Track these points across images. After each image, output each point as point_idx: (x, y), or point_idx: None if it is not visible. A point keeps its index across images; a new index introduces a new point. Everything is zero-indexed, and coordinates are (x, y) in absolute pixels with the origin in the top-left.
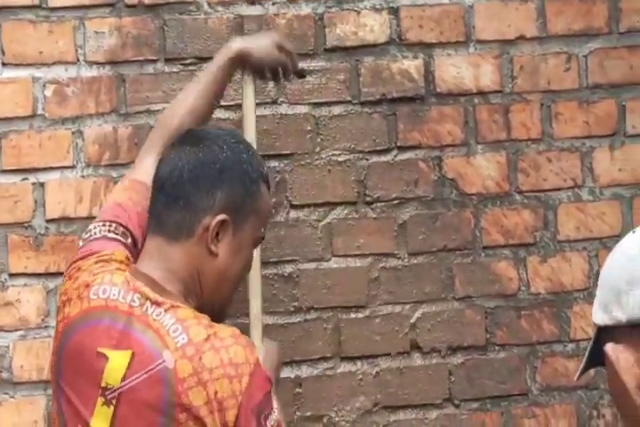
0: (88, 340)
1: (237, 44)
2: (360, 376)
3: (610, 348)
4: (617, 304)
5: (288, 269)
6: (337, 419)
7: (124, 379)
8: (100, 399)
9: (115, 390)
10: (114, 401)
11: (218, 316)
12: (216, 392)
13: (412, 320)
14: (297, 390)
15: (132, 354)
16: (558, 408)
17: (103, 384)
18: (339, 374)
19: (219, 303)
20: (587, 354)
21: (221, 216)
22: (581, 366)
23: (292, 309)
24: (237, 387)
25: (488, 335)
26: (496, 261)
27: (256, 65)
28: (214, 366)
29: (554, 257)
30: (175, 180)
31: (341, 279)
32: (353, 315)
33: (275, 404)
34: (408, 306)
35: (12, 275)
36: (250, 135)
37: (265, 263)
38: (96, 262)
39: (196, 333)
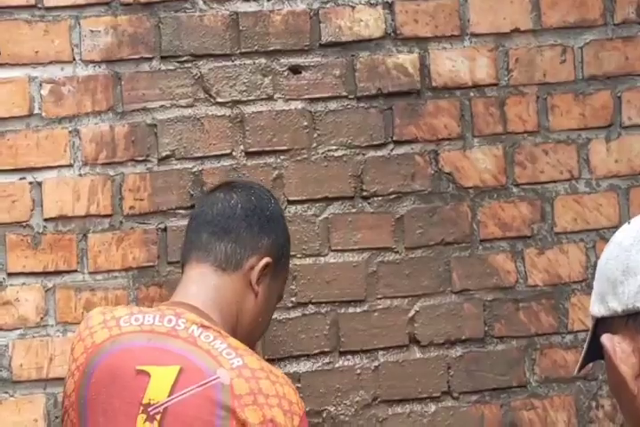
0: (122, 360)
1: None
2: (359, 370)
3: (606, 338)
4: (613, 295)
5: None
6: (336, 413)
7: (171, 393)
8: (142, 416)
9: (160, 406)
10: (158, 416)
11: None
12: (272, 418)
13: (411, 314)
14: (296, 384)
15: (180, 369)
16: (557, 400)
17: (145, 401)
18: (338, 369)
19: (246, 344)
20: (585, 347)
21: (267, 259)
22: (580, 359)
23: (291, 304)
24: (290, 422)
25: (486, 328)
26: (494, 254)
27: None
28: (271, 393)
29: (551, 249)
30: (228, 215)
31: (339, 274)
32: (351, 309)
33: None
34: (406, 300)
35: (10, 274)
36: None
37: None
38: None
39: (250, 360)
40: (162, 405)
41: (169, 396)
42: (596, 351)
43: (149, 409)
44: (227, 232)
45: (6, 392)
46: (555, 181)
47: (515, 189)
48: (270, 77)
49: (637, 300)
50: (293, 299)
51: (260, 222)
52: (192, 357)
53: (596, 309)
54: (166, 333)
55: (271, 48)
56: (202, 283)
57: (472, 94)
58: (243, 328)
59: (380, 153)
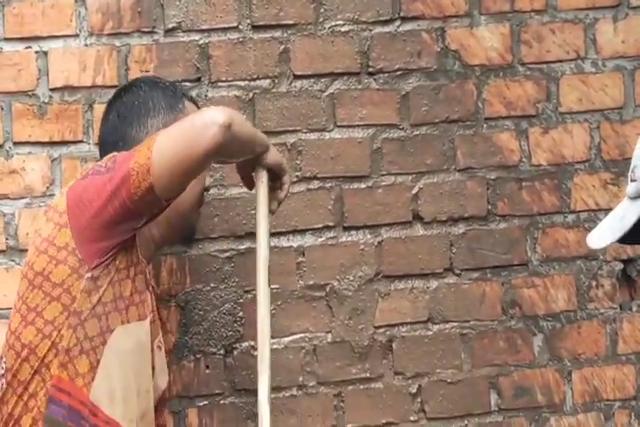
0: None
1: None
2: (362, 246)
3: None
4: None
5: (291, 139)
6: (339, 287)
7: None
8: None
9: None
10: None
11: None
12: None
13: (414, 191)
14: (300, 259)
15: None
16: (558, 279)
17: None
18: (341, 244)
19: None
20: (628, 227)
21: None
22: (612, 237)
23: (296, 178)
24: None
25: (489, 206)
26: (498, 133)
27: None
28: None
29: (555, 129)
30: (111, 130)
31: (344, 150)
32: (355, 185)
33: None
34: (410, 177)
35: (16, 143)
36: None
37: (268, 133)
38: None
39: None
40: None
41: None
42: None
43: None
44: (114, 144)
45: (13, 260)
46: (561, 61)
47: (520, 68)
48: None
49: None
50: (298, 174)
51: (136, 114)
52: None
53: (632, 191)
54: None
55: None
56: None
57: None
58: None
59: (386, 29)
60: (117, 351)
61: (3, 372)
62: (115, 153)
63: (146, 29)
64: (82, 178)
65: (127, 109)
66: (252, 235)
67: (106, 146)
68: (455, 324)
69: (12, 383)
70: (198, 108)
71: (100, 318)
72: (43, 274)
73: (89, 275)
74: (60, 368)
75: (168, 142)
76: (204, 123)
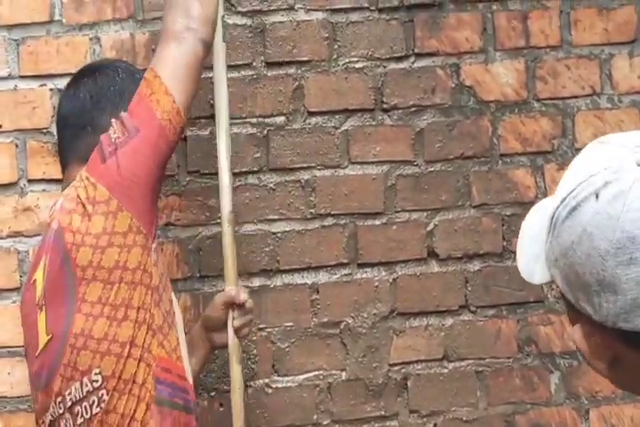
0: (29, 272)
1: None
2: (377, 283)
3: (576, 333)
4: (585, 300)
5: (305, 175)
6: (354, 325)
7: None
8: (39, 314)
9: (42, 297)
10: (42, 303)
11: None
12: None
13: (429, 228)
14: (314, 296)
15: (45, 255)
16: None
17: (37, 302)
18: (356, 281)
19: None
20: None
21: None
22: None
23: (310, 215)
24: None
25: (505, 243)
26: (513, 169)
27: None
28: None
29: None
30: (79, 111)
31: (358, 186)
32: (370, 222)
33: None
34: (425, 213)
35: (30, 180)
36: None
37: (282, 170)
38: None
39: (65, 193)
40: (42, 293)
41: (43, 282)
42: None
43: (38, 304)
44: (83, 128)
45: None
46: (576, 97)
47: (536, 104)
48: None
49: (620, 320)
50: (312, 210)
51: (111, 101)
52: (46, 235)
53: (562, 286)
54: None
55: None
56: (70, 183)
57: (494, 7)
58: None
59: (400, 65)
60: (179, 322)
61: (99, 384)
62: (113, 120)
63: None
64: (101, 159)
65: (101, 93)
66: (265, 272)
67: (70, 127)
68: (471, 361)
69: (117, 388)
70: None
71: (165, 289)
72: (119, 266)
73: (154, 246)
74: (159, 347)
75: (177, 74)
76: (189, 38)
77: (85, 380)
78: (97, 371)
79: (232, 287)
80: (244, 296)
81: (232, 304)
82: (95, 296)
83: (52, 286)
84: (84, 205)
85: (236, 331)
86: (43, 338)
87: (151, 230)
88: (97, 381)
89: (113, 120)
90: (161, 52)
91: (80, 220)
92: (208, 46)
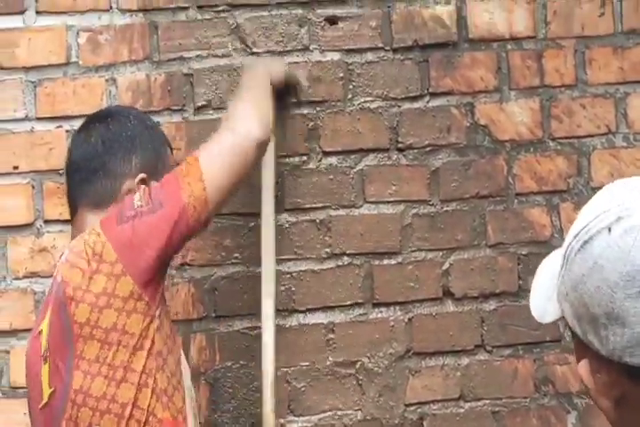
0: (35, 326)
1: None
2: (392, 323)
3: (581, 368)
4: (593, 332)
5: (321, 215)
6: (369, 365)
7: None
8: (43, 366)
9: (46, 348)
10: (46, 354)
11: None
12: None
13: (445, 267)
14: (330, 335)
15: (49, 306)
16: None
17: (42, 353)
18: (371, 320)
19: None
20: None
21: (141, 175)
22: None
23: (325, 255)
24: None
25: (521, 282)
26: (529, 208)
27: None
28: (75, 250)
29: None
30: (91, 155)
31: (374, 226)
32: (385, 261)
33: None
34: (441, 253)
35: (47, 221)
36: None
37: (297, 210)
38: None
39: (72, 244)
40: (46, 344)
41: (47, 334)
42: None
43: (43, 356)
44: (94, 172)
45: None
46: (592, 136)
47: (551, 143)
48: (306, 28)
49: (626, 354)
50: (328, 250)
51: (124, 147)
52: (52, 286)
53: (571, 321)
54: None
55: None
56: (82, 227)
57: (509, 47)
58: None
59: (415, 105)
60: (186, 382)
61: None
62: (142, 186)
63: (176, 107)
64: (117, 220)
65: (114, 139)
66: (281, 312)
67: (81, 171)
68: (487, 401)
69: None
70: (172, 152)
71: (171, 352)
72: (117, 329)
73: (157, 313)
74: (164, 411)
75: (217, 165)
76: (241, 133)
77: None
78: None
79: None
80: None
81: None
82: (92, 355)
83: (54, 339)
84: (88, 262)
85: None
86: (46, 390)
87: (155, 298)
88: None
89: (142, 187)
90: (213, 139)
91: (81, 275)
92: (260, 149)
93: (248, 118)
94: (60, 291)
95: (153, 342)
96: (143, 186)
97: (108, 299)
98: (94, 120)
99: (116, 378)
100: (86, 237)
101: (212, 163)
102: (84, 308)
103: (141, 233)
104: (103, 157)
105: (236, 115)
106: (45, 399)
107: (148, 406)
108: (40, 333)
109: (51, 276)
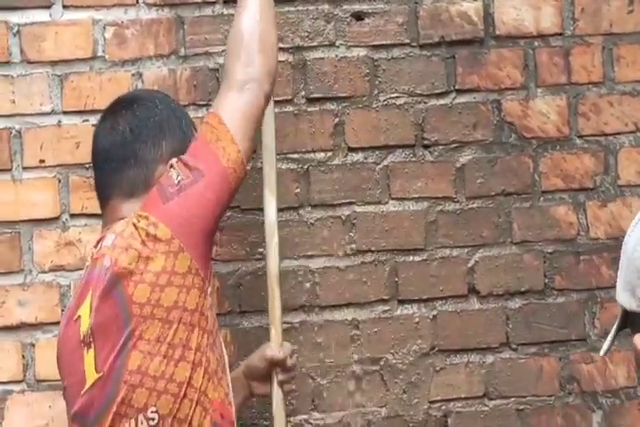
0: (67, 312)
1: None
2: (417, 319)
3: (638, 339)
4: None
5: (345, 211)
6: (394, 362)
7: (90, 317)
8: (85, 352)
9: (88, 333)
10: (89, 340)
11: None
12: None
13: (470, 264)
14: (354, 332)
15: (92, 292)
16: (617, 354)
17: (81, 338)
18: (396, 317)
19: None
20: (613, 332)
21: (172, 160)
22: (608, 343)
23: (350, 251)
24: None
25: (546, 280)
26: (555, 206)
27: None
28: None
29: (614, 202)
30: (120, 144)
31: (399, 222)
32: (410, 258)
33: None
34: (466, 250)
35: (72, 215)
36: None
37: (322, 206)
38: None
39: (116, 227)
40: (88, 330)
41: (89, 319)
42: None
43: (84, 341)
44: (125, 161)
45: None
46: (619, 133)
47: (578, 141)
48: (333, 24)
49: None
50: (353, 246)
51: (152, 133)
52: (93, 272)
53: (625, 300)
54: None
55: None
56: (112, 217)
57: (536, 44)
58: None
59: (441, 102)
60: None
61: (155, 423)
62: (173, 160)
63: (201, 102)
64: (163, 199)
65: (142, 125)
66: (305, 308)
67: (111, 161)
68: (512, 399)
69: None
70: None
71: (217, 334)
72: (178, 306)
73: (209, 291)
74: (214, 391)
75: (240, 124)
76: (252, 90)
77: (141, 417)
78: (153, 409)
79: (276, 348)
80: (290, 361)
81: (276, 364)
82: (153, 334)
83: (101, 324)
84: (143, 242)
85: (281, 385)
86: (91, 376)
87: (207, 274)
88: (153, 419)
89: (174, 161)
90: (224, 99)
91: (137, 256)
92: (269, 98)
93: (254, 69)
94: (110, 275)
95: (207, 319)
96: (174, 161)
97: (169, 276)
98: (119, 107)
99: (174, 357)
100: (134, 221)
101: (238, 124)
102: (143, 288)
103: (190, 205)
104: (133, 144)
105: (240, 63)
106: (89, 384)
107: (201, 384)
108: (78, 318)
109: (77, 269)
